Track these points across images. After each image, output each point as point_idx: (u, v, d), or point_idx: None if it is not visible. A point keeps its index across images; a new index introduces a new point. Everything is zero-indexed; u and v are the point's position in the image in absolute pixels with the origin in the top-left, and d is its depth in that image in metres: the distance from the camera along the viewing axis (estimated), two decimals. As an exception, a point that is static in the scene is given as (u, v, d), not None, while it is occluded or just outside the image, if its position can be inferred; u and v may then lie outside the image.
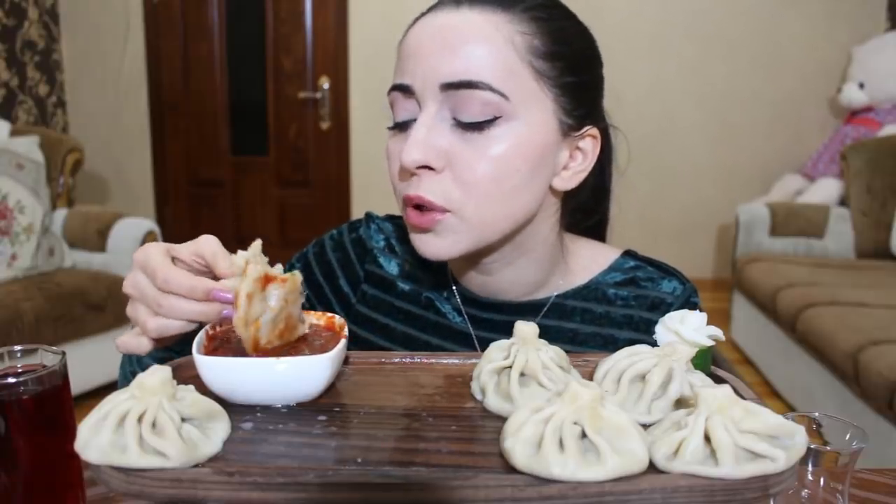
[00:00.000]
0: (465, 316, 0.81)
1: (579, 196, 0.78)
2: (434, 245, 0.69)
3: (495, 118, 0.65)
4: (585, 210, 0.83)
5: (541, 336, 0.55)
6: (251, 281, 0.52)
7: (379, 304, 0.85)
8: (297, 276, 0.56)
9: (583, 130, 0.72)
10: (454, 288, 0.82)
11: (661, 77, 3.80)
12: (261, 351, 0.54)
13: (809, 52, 3.74)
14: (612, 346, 0.78)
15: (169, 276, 0.54)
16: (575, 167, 0.73)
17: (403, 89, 0.68)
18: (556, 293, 0.80)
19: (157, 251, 0.56)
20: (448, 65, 0.65)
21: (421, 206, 0.67)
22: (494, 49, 0.65)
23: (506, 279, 0.78)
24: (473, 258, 0.76)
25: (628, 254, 0.82)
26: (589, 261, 0.82)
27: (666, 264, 0.82)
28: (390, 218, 0.90)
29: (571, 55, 0.70)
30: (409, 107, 0.69)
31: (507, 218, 0.70)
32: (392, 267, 0.86)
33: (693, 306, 0.79)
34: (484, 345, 0.79)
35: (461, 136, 0.66)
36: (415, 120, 0.68)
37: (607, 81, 0.77)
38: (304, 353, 0.55)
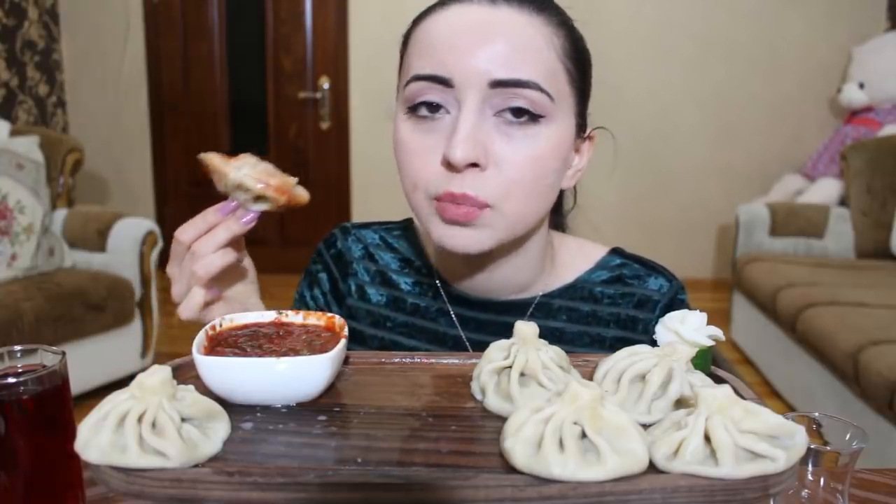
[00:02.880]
0: (453, 315, 0.81)
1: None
2: (468, 238, 0.67)
3: (539, 117, 0.65)
4: (558, 204, 0.85)
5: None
6: (216, 158, 0.62)
7: (365, 316, 0.84)
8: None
9: (589, 131, 0.74)
10: (440, 287, 0.82)
11: (661, 78, 3.80)
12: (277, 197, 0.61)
13: (809, 52, 3.74)
14: (598, 344, 0.78)
15: (183, 230, 0.64)
16: (576, 166, 0.74)
17: (440, 80, 0.65)
18: (542, 292, 0.80)
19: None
20: (500, 62, 0.64)
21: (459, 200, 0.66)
22: (541, 49, 0.65)
23: (500, 276, 0.77)
24: (473, 256, 0.75)
25: (615, 251, 0.83)
26: (575, 258, 0.82)
27: (653, 261, 0.82)
28: (368, 225, 0.89)
29: (585, 59, 0.71)
30: (441, 98, 0.66)
31: (536, 214, 0.70)
32: (373, 276, 0.85)
33: (680, 303, 0.80)
34: (472, 345, 0.79)
35: (504, 132, 0.65)
36: (447, 112, 0.66)
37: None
38: (304, 354, 0.55)
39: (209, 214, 0.64)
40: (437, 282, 0.82)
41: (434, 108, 0.67)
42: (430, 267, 0.83)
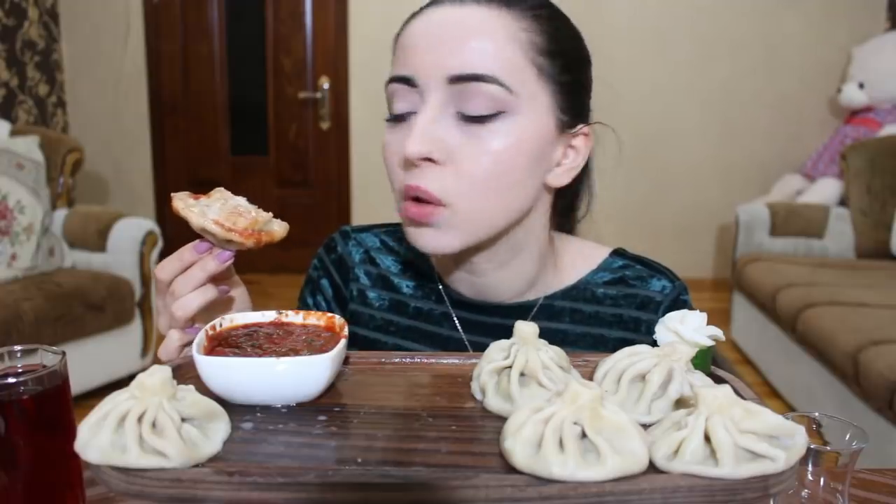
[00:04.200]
0: (456, 320, 0.80)
1: (566, 195, 0.79)
2: (431, 239, 0.68)
3: (499, 112, 0.65)
4: (570, 208, 0.84)
5: (531, 338, 0.55)
6: (181, 201, 0.61)
7: (367, 320, 0.84)
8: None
9: (577, 128, 0.73)
10: (442, 291, 0.81)
11: (661, 77, 3.80)
12: (235, 232, 0.60)
13: (809, 52, 3.74)
14: (602, 346, 0.78)
15: (161, 268, 0.64)
16: (568, 164, 0.73)
17: (405, 81, 0.67)
18: (545, 294, 0.79)
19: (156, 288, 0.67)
20: (456, 57, 0.65)
21: (419, 199, 0.67)
22: (500, 44, 0.66)
23: (498, 280, 0.77)
24: (467, 259, 0.75)
25: (617, 252, 0.82)
26: (577, 260, 0.81)
27: (655, 262, 0.82)
28: (368, 228, 0.89)
29: (567, 54, 0.71)
30: (409, 99, 0.68)
31: (501, 213, 0.70)
32: (374, 280, 0.85)
33: (683, 304, 0.79)
34: (474, 349, 0.78)
35: (464, 129, 0.66)
36: (415, 112, 0.67)
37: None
38: (304, 354, 0.55)
39: (185, 253, 0.63)
40: (440, 285, 0.81)
41: (406, 105, 0.69)
42: (432, 269, 0.83)
